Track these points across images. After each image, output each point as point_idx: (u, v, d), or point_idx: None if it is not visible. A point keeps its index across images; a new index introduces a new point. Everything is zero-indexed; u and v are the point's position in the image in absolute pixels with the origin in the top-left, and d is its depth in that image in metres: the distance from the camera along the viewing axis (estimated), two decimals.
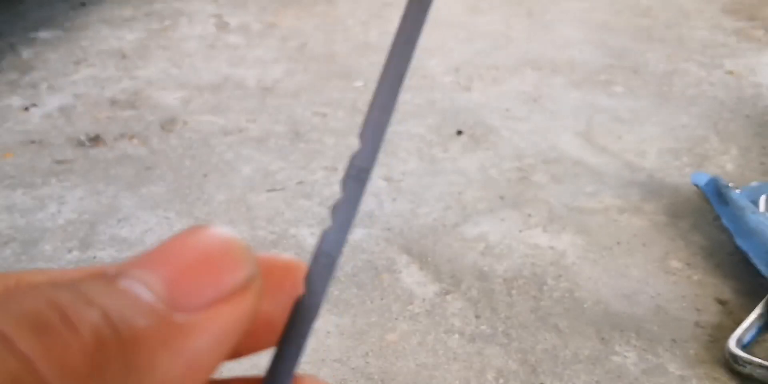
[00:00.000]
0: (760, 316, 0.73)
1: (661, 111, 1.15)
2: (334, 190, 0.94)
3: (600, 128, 1.10)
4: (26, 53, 1.31)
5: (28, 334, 0.10)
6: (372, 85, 1.19)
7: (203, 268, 0.12)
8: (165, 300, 0.11)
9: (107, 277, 0.12)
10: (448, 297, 0.78)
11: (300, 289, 0.14)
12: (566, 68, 1.27)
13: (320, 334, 0.72)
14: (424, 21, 0.14)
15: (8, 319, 0.10)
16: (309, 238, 0.85)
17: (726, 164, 1.02)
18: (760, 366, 0.67)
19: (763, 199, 0.87)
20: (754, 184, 0.92)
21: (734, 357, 0.69)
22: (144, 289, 0.12)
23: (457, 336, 0.73)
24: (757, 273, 0.77)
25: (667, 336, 0.73)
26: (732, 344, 0.70)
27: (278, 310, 0.14)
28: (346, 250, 0.90)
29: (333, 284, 0.85)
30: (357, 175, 0.15)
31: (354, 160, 0.15)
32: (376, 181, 0.97)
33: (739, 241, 0.79)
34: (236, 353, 0.14)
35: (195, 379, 0.12)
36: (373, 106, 0.15)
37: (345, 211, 0.15)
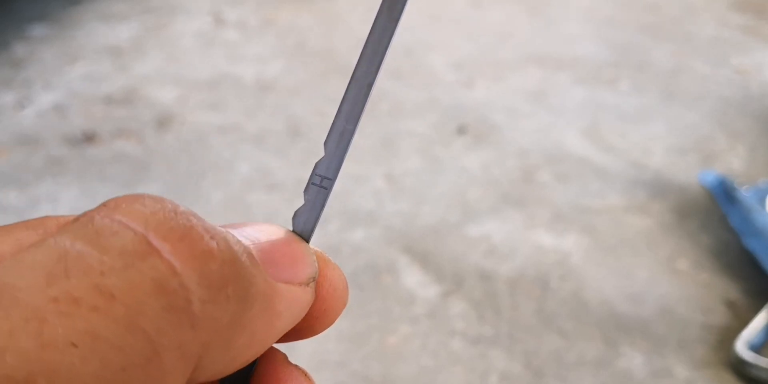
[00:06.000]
0: None
1: (667, 109, 1.14)
2: (333, 189, 0.93)
3: (605, 126, 1.09)
4: (20, 50, 1.29)
5: (174, 242, 0.11)
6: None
7: (287, 257, 0.14)
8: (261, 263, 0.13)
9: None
10: (451, 298, 0.76)
11: None
12: (571, 65, 1.26)
13: (319, 336, 0.71)
14: (395, 30, 0.14)
15: (152, 229, 0.11)
16: None
17: (733, 163, 1.00)
18: None
19: None
20: (761, 182, 0.90)
21: (742, 359, 0.68)
22: (248, 243, 0.13)
23: (459, 338, 0.72)
24: (765, 274, 0.76)
25: (673, 338, 0.72)
26: (739, 346, 0.69)
27: None
28: (347, 250, 0.89)
29: None
30: (320, 184, 0.15)
31: (317, 168, 0.15)
32: (376, 180, 0.95)
33: (747, 242, 0.78)
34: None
35: (268, 340, 0.13)
36: (340, 113, 0.15)
37: (305, 219, 0.15)
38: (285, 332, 0.13)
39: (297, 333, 0.15)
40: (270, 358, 0.15)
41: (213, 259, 0.11)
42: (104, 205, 0.12)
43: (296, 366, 0.15)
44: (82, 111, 1.12)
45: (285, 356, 0.15)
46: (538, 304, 0.76)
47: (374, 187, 0.93)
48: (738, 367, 0.68)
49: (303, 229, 0.15)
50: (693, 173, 0.96)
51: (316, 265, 0.15)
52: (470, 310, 0.75)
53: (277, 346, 0.15)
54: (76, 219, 0.11)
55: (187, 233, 0.11)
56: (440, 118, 1.10)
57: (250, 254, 0.12)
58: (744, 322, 0.73)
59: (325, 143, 0.15)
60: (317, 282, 0.14)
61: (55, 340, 0.09)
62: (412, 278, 0.79)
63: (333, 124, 0.15)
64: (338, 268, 0.15)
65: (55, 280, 0.10)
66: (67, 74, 1.22)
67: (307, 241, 0.15)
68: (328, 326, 0.15)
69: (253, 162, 1.00)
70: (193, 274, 0.11)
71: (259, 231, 0.14)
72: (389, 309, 0.75)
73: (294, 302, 0.13)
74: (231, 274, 0.11)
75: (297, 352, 0.69)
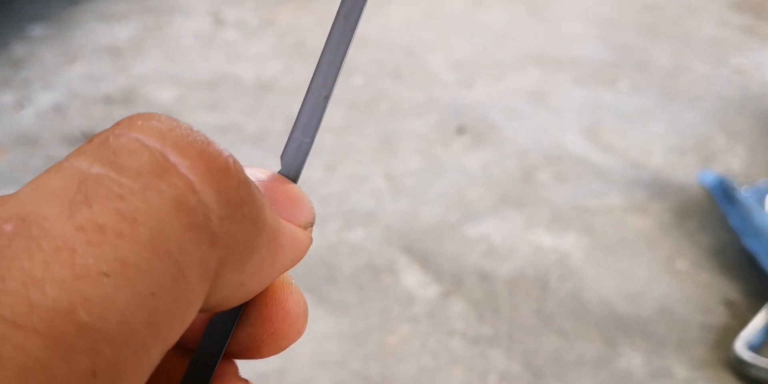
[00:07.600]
0: None
1: (666, 109, 1.14)
2: (332, 189, 0.93)
3: (605, 126, 1.09)
4: (19, 50, 1.29)
5: (193, 158, 0.11)
6: (372, 83, 1.17)
7: (287, 198, 0.14)
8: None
9: None
10: (450, 298, 0.76)
11: None
12: (570, 65, 1.26)
13: (319, 336, 0.71)
14: (351, 38, 0.14)
15: (170, 145, 0.11)
16: None
17: (732, 163, 1.00)
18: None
19: None
20: (761, 182, 0.90)
21: (741, 359, 0.68)
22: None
23: (458, 338, 0.72)
24: (764, 274, 0.76)
25: (672, 338, 0.72)
26: (739, 346, 0.69)
27: None
28: (346, 250, 0.89)
29: (332, 284, 0.84)
30: None
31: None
32: (375, 180, 0.95)
33: (747, 242, 0.78)
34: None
35: (272, 273, 0.13)
36: (296, 126, 0.14)
37: None
38: (285, 271, 0.13)
39: (243, 352, 0.14)
40: (221, 371, 0.14)
41: (230, 176, 0.11)
42: (118, 123, 0.11)
43: (246, 380, 0.14)
44: (82, 111, 1.12)
45: (236, 369, 0.15)
46: (537, 304, 0.76)
47: (374, 187, 0.93)
48: (737, 367, 0.68)
49: None
50: (693, 173, 0.96)
51: (314, 211, 0.14)
52: (469, 310, 0.75)
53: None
54: (91, 140, 0.11)
55: (205, 149, 0.11)
56: (440, 118, 1.10)
57: (256, 185, 0.12)
58: (743, 322, 0.73)
59: (282, 156, 0.15)
60: (267, 303, 0.14)
61: (87, 270, 0.09)
62: (412, 278, 0.79)
63: (290, 136, 0.15)
64: (298, 292, 0.14)
65: (78, 208, 0.10)
66: (66, 74, 1.22)
67: None
68: (277, 352, 0.14)
69: (253, 162, 1.00)
70: (212, 190, 0.11)
71: (258, 171, 0.14)
72: (389, 309, 0.75)
73: (294, 240, 0.13)
74: (246, 194, 0.11)
75: (296, 351, 0.70)
